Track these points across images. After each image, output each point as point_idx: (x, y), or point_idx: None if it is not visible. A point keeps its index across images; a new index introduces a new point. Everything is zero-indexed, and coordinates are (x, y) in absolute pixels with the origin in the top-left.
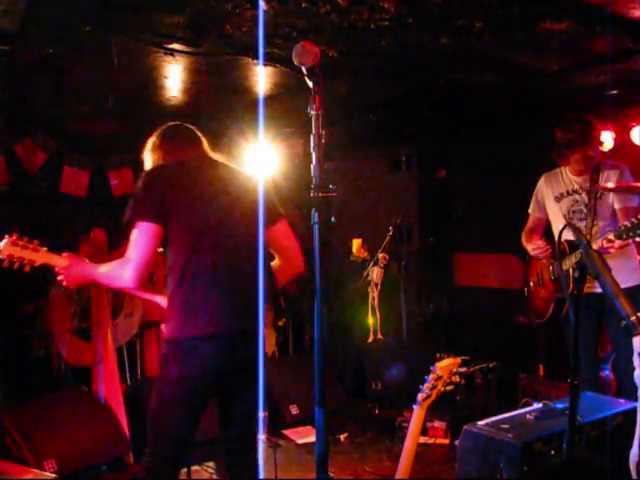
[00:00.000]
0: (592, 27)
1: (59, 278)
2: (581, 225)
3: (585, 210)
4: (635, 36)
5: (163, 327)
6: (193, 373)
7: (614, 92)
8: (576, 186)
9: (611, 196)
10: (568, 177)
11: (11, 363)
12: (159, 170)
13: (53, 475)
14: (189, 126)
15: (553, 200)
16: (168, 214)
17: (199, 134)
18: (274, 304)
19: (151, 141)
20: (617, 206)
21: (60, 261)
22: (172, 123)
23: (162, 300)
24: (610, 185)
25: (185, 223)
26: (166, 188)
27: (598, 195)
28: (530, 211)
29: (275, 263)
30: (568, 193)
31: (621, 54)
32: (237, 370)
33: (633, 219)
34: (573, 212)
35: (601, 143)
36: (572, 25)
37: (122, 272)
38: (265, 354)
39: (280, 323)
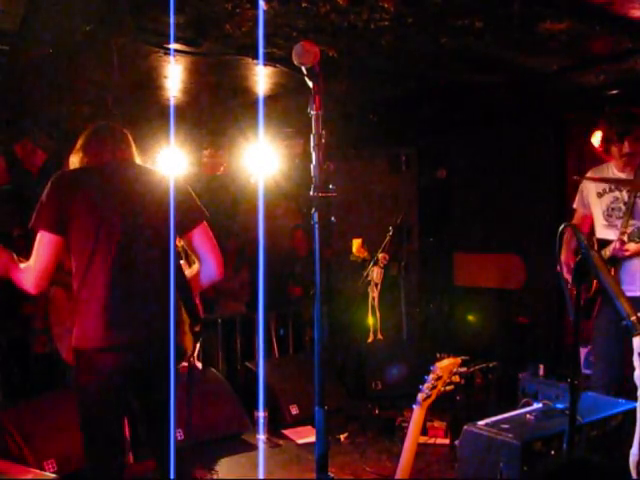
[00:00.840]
0: (592, 27)
1: None
2: (617, 223)
3: (624, 208)
4: (635, 36)
5: None
6: (94, 384)
7: (614, 92)
8: None
9: None
10: (613, 173)
11: (11, 363)
12: (64, 177)
13: (53, 475)
14: (116, 127)
15: (595, 195)
16: (67, 223)
17: (126, 136)
18: (189, 310)
19: (78, 143)
20: None
21: None
22: (100, 123)
23: None
24: None
25: (83, 232)
26: (67, 197)
27: (638, 194)
28: (575, 206)
29: (194, 267)
30: (610, 189)
31: (621, 54)
32: (143, 377)
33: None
34: (612, 209)
35: None
36: (572, 25)
37: (24, 277)
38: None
39: (197, 329)
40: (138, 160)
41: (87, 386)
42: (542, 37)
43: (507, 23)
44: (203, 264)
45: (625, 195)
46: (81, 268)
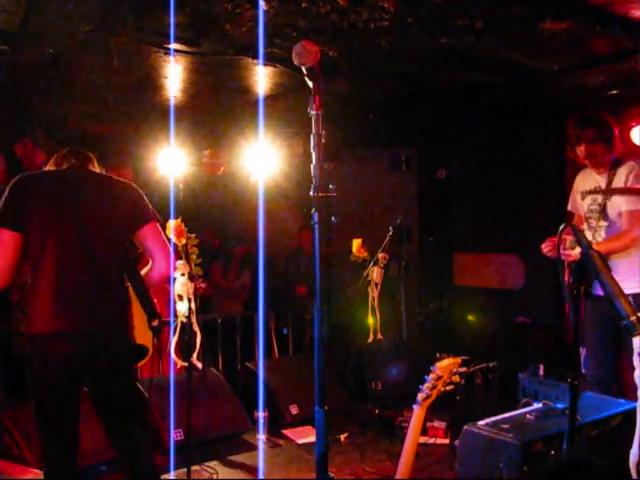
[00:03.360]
0: (592, 27)
1: None
2: (595, 225)
3: (599, 209)
4: (635, 36)
5: None
6: (43, 371)
7: (614, 92)
8: (596, 184)
9: (620, 197)
10: (593, 175)
11: (11, 363)
12: (21, 180)
13: None
14: (81, 150)
15: (580, 197)
16: (25, 221)
17: (87, 155)
18: (145, 305)
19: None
20: (623, 208)
21: None
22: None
23: None
24: (623, 185)
25: (38, 229)
26: (25, 197)
27: (608, 195)
28: (569, 209)
29: (148, 266)
30: (590, 192)
31: (621, 54)
32: (90, 364)
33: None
34: (591, 211)
35: (608, 139)
36: (572, 25)
37: None
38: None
39: (154, 323)
40: (92, 168)
41: (40, 374)
42: (542, 37)
43: (507, 23)
44: (152, 260)
45: (600, 197)
46: (35, 262)
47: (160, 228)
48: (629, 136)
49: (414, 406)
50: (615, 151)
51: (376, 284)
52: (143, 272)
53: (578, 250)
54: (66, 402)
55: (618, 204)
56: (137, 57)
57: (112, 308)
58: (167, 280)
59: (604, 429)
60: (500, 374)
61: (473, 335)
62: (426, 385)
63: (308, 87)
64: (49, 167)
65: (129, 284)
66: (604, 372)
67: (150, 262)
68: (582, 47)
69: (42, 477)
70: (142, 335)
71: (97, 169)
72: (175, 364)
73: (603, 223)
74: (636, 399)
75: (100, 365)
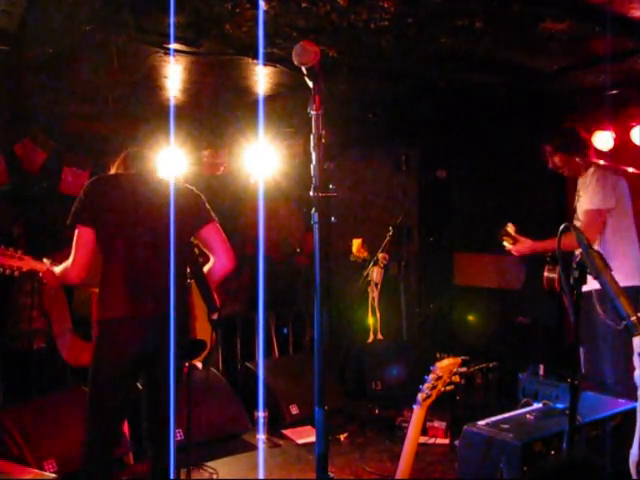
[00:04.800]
0: (592, 27)
1: (44, 280)
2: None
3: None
4: (635, 36)
5: None
6: (109, 355)
7: (614, 92)
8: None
9: (583, 198)
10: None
11: (11, 363)
12: (96, 181)
13: (53, 475)
14: (141, 149)
15: (577, 199)
16: (99, 218)
17: (147, 155)
18: (205, 298)
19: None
20: (582, 208)
21: (42, 266)
22: (130, 149)
23: None
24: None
25: (110, 226)
26: (99, 197)
27: (577, 198)
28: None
29: (210, 262)
30: (578, 195)
31: (621, 54)
32: (153, 350)
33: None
34: (575, 212)
35: (567, 148)
36: (572, 25)
37: (68, 270)
38: (201, 344)
39: (214, 317)
40: (157, 173)
41: (104, 359)
42: (542, 37)
43: (507, 23)
44: (214, 257)
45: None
46: (106, 256)
47: (219, 227)
48: (629, 136)
49: (414, 406)
50: (589, 155)
51: (376, 284)
52: (205, 269)
53: (510, 246)
54: (122, 392)
55: (581, 204)
56: (137, 57)
57: (177, 298)
58: (229, 275)
59: (604, 429)
60: (500, 374)
61: (473, 335)
62: (426, 385)
63: (308, 87)
64: (117, 169)
65: (191, 279)
66: (598, 373)
67: (212, 259)
68: (582, 47)
69: (42, 477)
70: (202, 325)
71: (154, 166)
72: None
73: (577, 223)
74: (636, 399)
75: (162, 351)
